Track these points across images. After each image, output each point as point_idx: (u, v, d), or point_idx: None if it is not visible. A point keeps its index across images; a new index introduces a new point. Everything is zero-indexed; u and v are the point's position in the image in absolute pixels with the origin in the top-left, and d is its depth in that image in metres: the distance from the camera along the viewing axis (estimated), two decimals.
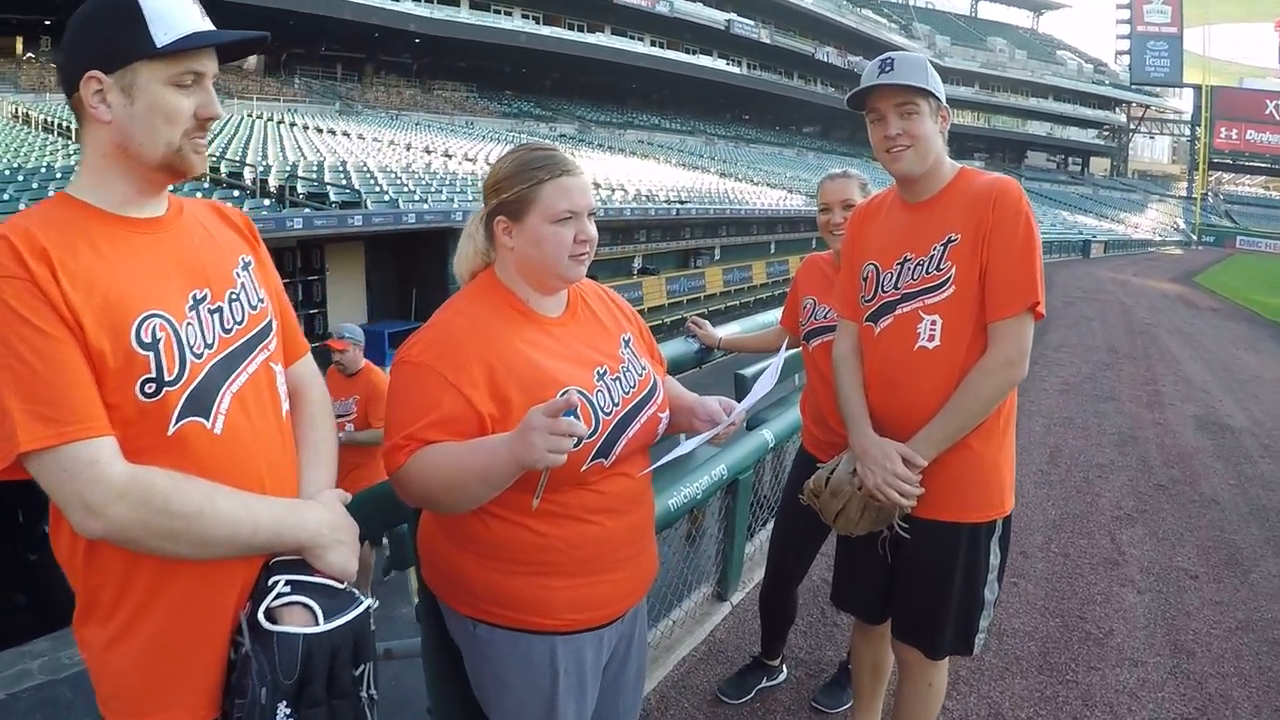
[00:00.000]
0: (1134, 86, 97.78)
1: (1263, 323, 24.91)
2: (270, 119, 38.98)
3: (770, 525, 5.94)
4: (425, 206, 22.16)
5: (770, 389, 2.63)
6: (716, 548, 5.31)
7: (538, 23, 60.52)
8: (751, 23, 73.92)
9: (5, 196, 17.36)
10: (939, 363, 2.88)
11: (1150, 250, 70.66)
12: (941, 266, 2.89)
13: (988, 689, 4.45)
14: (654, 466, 2.42)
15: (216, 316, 1.89)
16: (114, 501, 1.65)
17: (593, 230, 2.35)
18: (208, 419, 1.81)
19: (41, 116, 31.72)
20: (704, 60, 71.23)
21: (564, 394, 2.04)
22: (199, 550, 1.75)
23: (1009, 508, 3.05)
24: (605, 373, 2.37)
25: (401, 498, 2.24)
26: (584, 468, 2.25)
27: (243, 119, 37.63)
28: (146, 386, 1.72)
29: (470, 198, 25.50)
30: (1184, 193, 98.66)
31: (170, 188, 1.94)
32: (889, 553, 3.14)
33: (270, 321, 2.05)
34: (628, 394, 2.40)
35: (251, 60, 58.10)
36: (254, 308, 2.00)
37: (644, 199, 31.67)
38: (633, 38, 66.13)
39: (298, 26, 49.58)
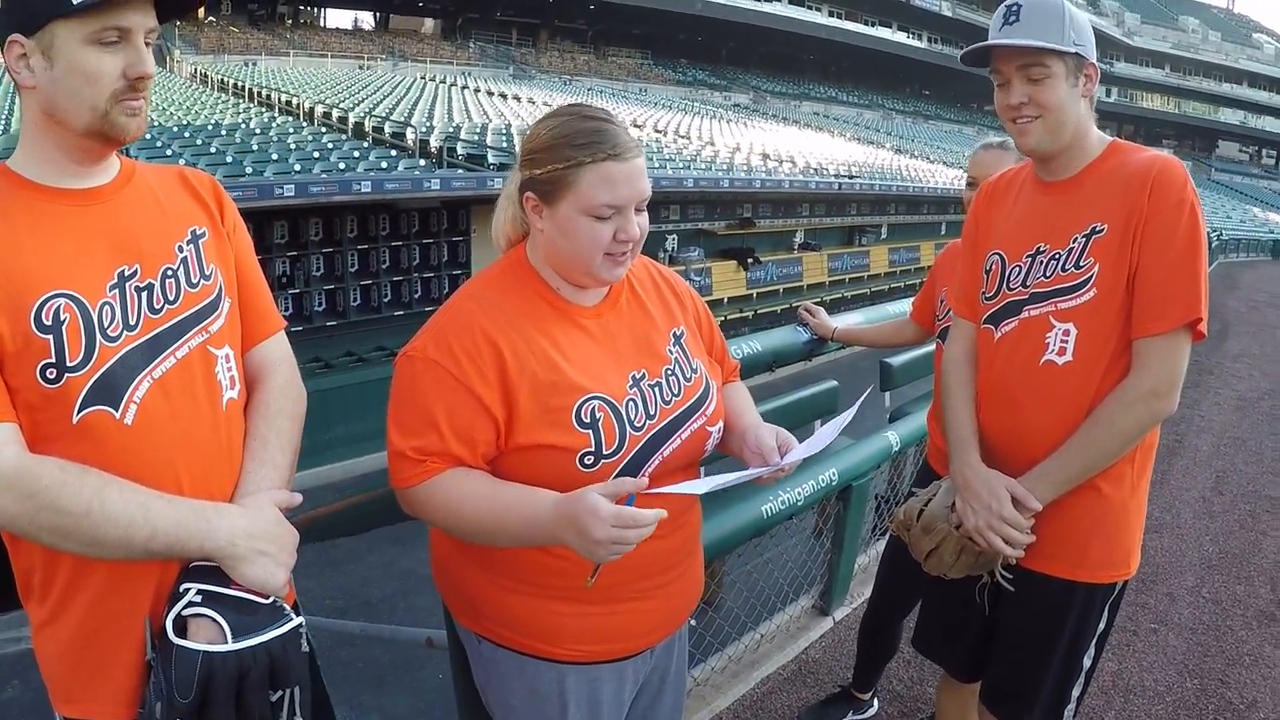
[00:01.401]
0: None
1: None
2: (443, 82, 39.46)
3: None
4: None
5: (835, 437, 2.20)
6: (824, 557, 4.88)
7: None
8: None
9: (169, 151, 17.72)
10: (1068, 383, 2.38)
11: None
12: (1082, 264, 2.36)
13: None
14: (669, 490, 1.87)
15: (144, 295, 1.78)
16: (1, 493, 1.57)
17: (636, 229, 1.97)
18: (116, 408, 1.69)
19: (219, 77, 32.73)
20: (883, 32, 70.31)
21: (616, 478, 1.83)
22: (93, 550, 1.64)
23: (1134, 568, 2.53)
24: (643, 378, 2.07)
25: (406, 510, 2.03)
26: None
27: (414, 81, 38.20)
28: (48, 372, 1.64)
29: None
30: None
31: (127, 151, 1.86)
32: (986, 604, 2.66)
33: (215, 300, 1.90)
34: (669, 404, 2.08)
35: (428, 24, 59.51)
36: (193, 285, 1.86)
37: (811, 172, 31.03)
38: (810, 7, 65.40)
39: None
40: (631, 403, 2.01)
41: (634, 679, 2.22)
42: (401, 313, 18.60)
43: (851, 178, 31.92)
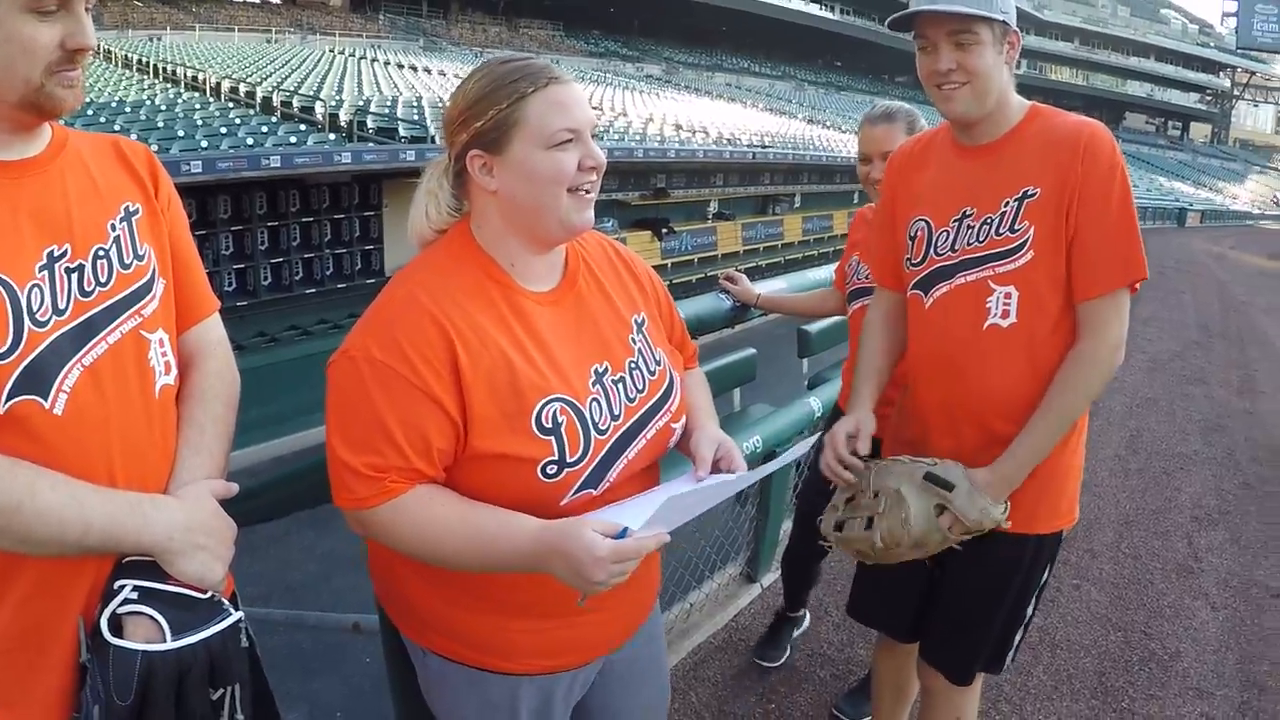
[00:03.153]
0: (1240, 51, 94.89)
1: None
2: (353, 55, 38.95)
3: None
4: None
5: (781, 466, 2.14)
6: (750, 524, 4.85)
7: None
8: None
9: (76, 128, 17.16)
10: (1014, 344, 2.38)
11: (1248, 223, 67.42)
12: (1016, 227, 2.36)
13: (1032, 711, 3.98)
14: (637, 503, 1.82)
15: (75, 277, 1.66)
16: None
17: (600, 153, 1.83)
18: (46, 397, 1.57)
19: (123, 53, 32.04)
20: (795, 4, 70.34)
21: (623, 532, 1.67)
22: (25, 547, 1.54)
23: (1076, 516, 2.60)
24: (606, 372, 1.90)
25: (357, 531, 1.84)
26: (565, 502, 1.80)
27: (323, 54, 37.70)
28: None
29: None
30: None
31: (62, 120, 1.71)
32: (929, 565, 2.64)
33: (149, 282, 1.78)
34: (633, 401, 1.93)
35: None
36: (126, 266, 1.74)
37: (725, 142, 31.14)
38: None
39: None
40: (595, 402, 1.85)
41: (584, 677, 2.09)
42: (314, 290, 18.49)
43: (765, 147, 32.24)
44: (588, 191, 1.83)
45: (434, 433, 1.72)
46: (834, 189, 36.96)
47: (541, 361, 1.81)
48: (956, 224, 2.44)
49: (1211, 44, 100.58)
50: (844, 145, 39.63)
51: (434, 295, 1.77)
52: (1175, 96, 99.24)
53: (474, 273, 1.84)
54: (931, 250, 2.49)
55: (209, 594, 1.67)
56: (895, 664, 3.13)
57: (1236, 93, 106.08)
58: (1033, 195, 2.33)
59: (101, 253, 1.70)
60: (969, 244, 2.42)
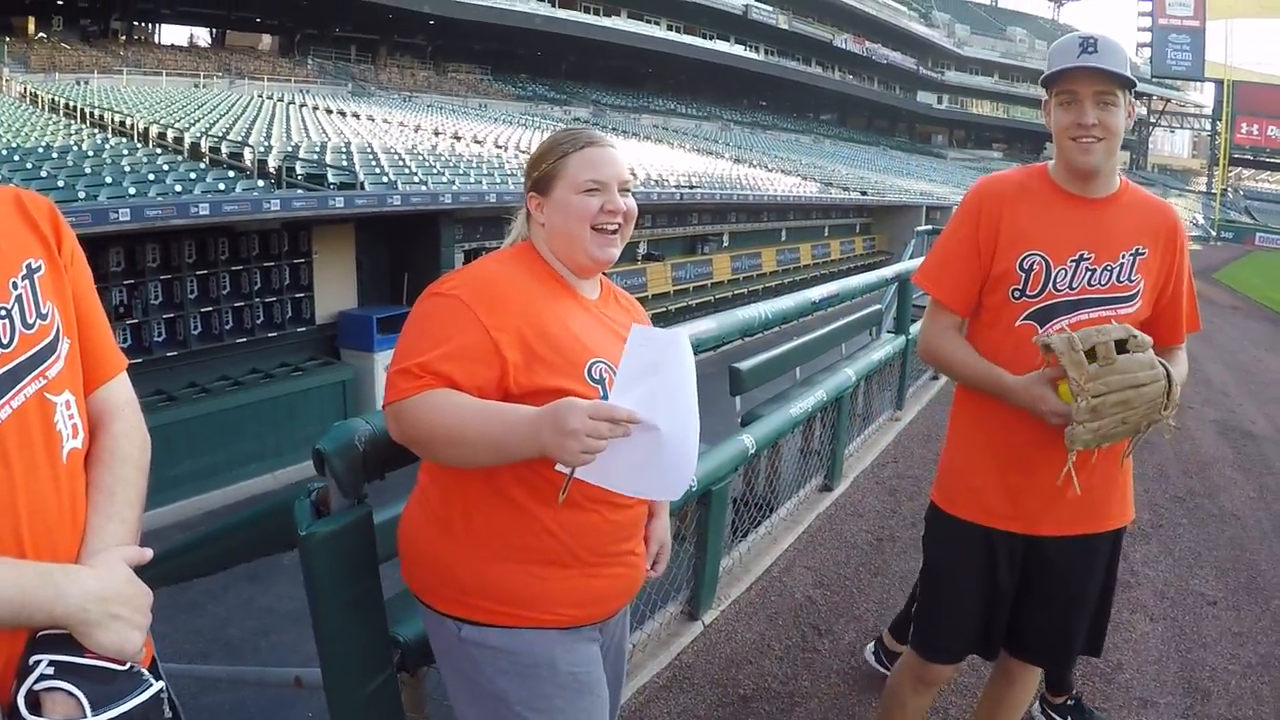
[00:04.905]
0: (1155, 79, 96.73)
1: None
2: (280, 100, 38.71)
3: (754, 533, 5.78)
4: (420, 189, 21.81)
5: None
6: (688, 562, 4.91)
7: (553, 5, 59.75)
8: (769, 8, 73.34)
9: (1, 174, 17.01)
10: None
11: None
12: (1132, 278, 2.80)
13: None
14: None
15: None
16: None
17: (620, 201, 2.31)
18: None
19: (49, 97, 31.60)
20: (721, 45, 70.90)
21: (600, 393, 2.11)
22: None
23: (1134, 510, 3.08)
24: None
25: (391, 431, 2.15)
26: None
27: (251, 99, 37.45)
28: None
29: (473, 180, 25.20)
30: (1204, 188, 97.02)
31: None
32: (1015, 572, 2.97)
33: (53, 342, 1.71)
34: None
35: (266, 41, 58.24)
36: (29, 326, 1.66)
37: (652, 183, 31.36)
38: (650, 22, 65.73)
39: (311, 7, 49.59)
40: None
41: (601, 649, 2.39)
42: (244, 340, 18.23)
43: (692, 188, 32.37)
44: (612, 231, 2.30)
45: (482, 361, 2.09)
46: (762, 227, 37.47)
47: (590, 336, 2.25)
48: (1074, 265, 2.75)
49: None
50: (770, 184, 40.17)
51: (510, 271, 2.26)
52: None
53: (539, 269, 2.32)
54: (1050, 285, 2.76)
55: (128, 665, 1.59)
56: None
57: (1153, 120, 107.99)
58: (1143, 254, 2.79)
59: (3, 312, 1.62)
60: (1089, 284, 2.76)
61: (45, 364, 1.67)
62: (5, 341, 1.61)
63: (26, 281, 1.68)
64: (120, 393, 1.89)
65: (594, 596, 2.29)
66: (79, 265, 1.84)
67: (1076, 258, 2.75)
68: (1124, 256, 2.77)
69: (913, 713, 3.29)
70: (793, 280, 35.22)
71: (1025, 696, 3.32)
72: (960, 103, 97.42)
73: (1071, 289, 2.75)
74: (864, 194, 44.95)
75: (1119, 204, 2.82)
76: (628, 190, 2.34)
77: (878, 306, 9.94)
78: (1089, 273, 2.75)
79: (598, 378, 2.18)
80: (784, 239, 39.31)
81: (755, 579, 5.48)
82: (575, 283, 2.35)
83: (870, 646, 4.48)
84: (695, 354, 4.46)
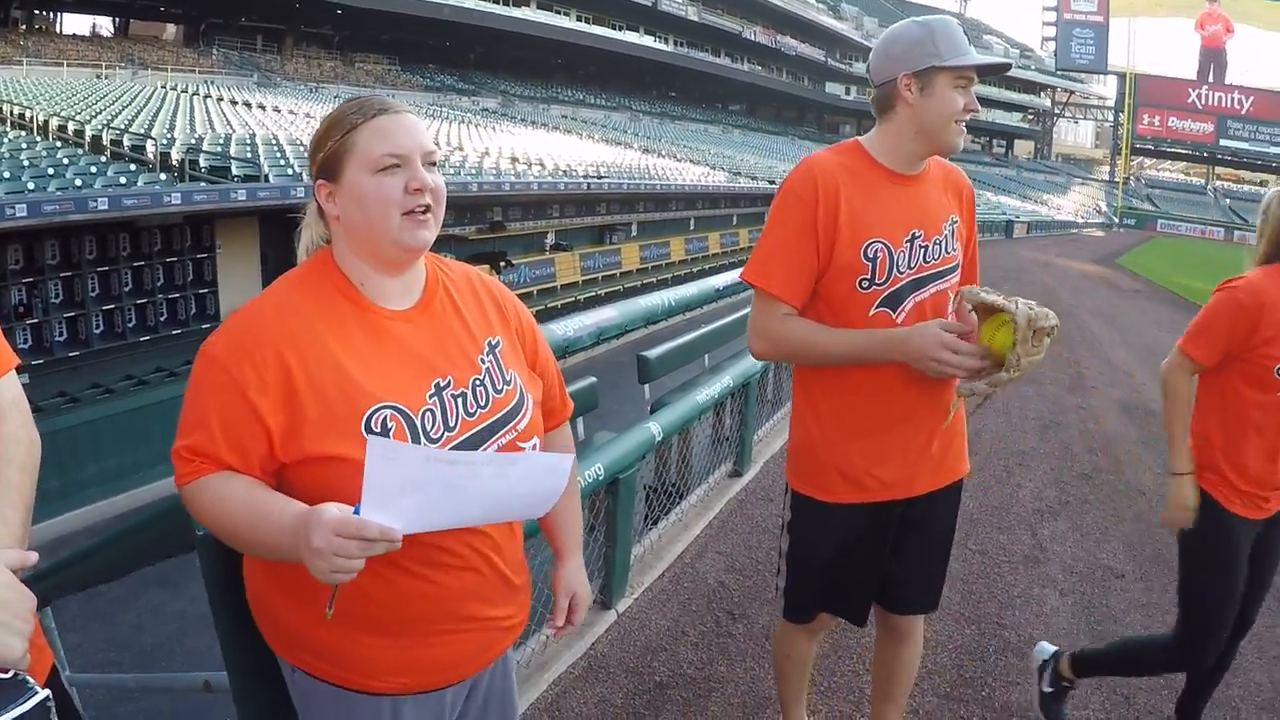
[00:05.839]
0: (1059, 72, 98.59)
1: (1185, 305, 24.67)
2: (185, 91, 38.03)
3: (664, 520, 5.84)
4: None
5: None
6: (599, 551, 4.94)
7: None
8: (679, 0, 73.40)
9: None
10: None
11: (1073, 232, 71.34)
12: (954, 247, 2.92)
13: None
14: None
15: None
16: None
17: (427, 177, 1.96)
18: None
19: None
20: (630, 36, 70.71)
21: (356, 509, 1.66)
22: None
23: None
24: (448, 386, 1.98)
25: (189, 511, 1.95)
26: None
27: (155, 90, 36.78)
28: None
29: None
30: (1107, 176, 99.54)
31: None
32: (892, 536, 3.06)
33: None
34: (473, 415, 2.00)
35: (170, 30, 57.10)
36: None
37: (559, 173, 31.40)
38: (559, 12, 65.33)
39: None
40: (429, 413, 1.92)
41: (452, 705, 2.14)
42: (148, 338, 17.97)
43: (600, 178, 32.33)
44: (423, 213, 1.96)
45: (246, 433, 1.84)
46: (670, 216, 37.57)
47: (377, 371, 1.91)
48: (909, 245, 2.81)
49: (1032, 66, 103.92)
50: (679, 173, 40.28)
51: (280, 307, 1.94)
52: (999, 116, 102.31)
53: (327, 289, 1.98)
54: (894, 270, 2.79)
55: (10, 673, 1.52)
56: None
57: (1057, 111, 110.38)
58: (956, 221, 2.93)
59: None
60: (924, 261, 2.84)
61: None
62: None
63: None
64: (7, 392, 1.83)
65: (434, 664, 2.03)
66: None
67: (909, 238, 2.80)
68: (945, 228, 2.88)
69: (800, 660, 3.48)
70: (701, 269, 35.33)
71: (919, 649, 3.40)
72: (868, 93, 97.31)
73: (911, 269, 2.80)
74: (772, 183, 45.03)
75: (929, 177, 2.91)
76: (433, 164, 1.99)
77: None
78: (922, 249, 2.82)
79: (378, 430, 1.86)
80: (693, 228, 39.48)
81: (667, 566, 5.52)
82: (377, 291, 2.01)
83: (1045, 665, 4.17)
84: (601, 342, 4.65)
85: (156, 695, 5.76)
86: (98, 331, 17.35)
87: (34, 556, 1.68)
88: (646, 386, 5.97)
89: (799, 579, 3.23)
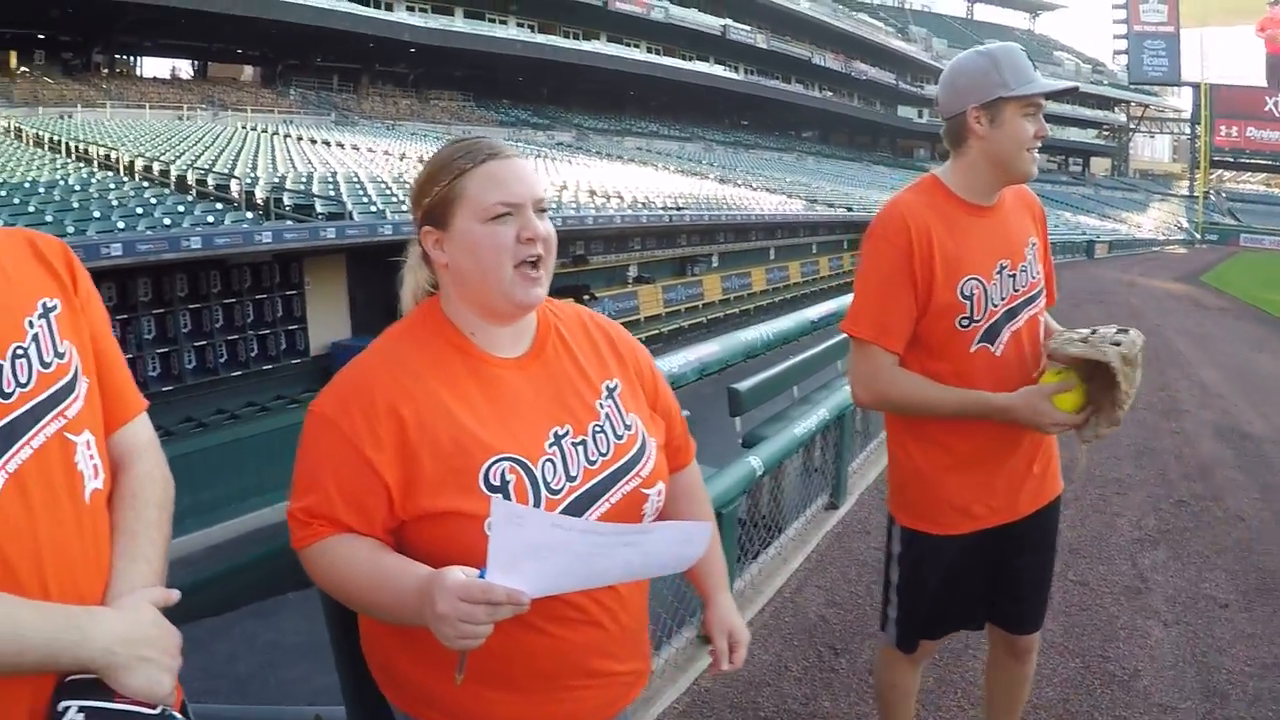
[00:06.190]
0: (1132, 86, 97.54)
1: (1273, 322, 24.05)
2: (265, 131, 38.69)
3: (764, 554, 5.70)
4: (410, 217, 21.02)
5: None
6: (700, 594, 4.78)
7: (533, 30, 60.21)
8: (747, 28, 73.64)
9: None
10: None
11: (1154, 250, 69.83)
12: (1037, 270, 2.92)
13: None
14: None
15: None
16: None
17: (539, 226, 1.87)
18: None
19: (33, 131, 31.56)
20: (701, 66, 71.21)
21: (482, 573, 1.58)
22: None
23: None
24: (567, 435, 1.90)
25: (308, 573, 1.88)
26: None
27: (235, 131, 37.41)
28: None
29: None
30: (1186, 191, 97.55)
31: None
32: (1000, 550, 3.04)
33: (71, 381, 1.67)
34: (594, 464, 1.91)
35: (248, 72, 58.31)
36: (46, 365, 1.62)
37: (639, 206, 31.39)
38: (628, 44, 65.95)
39: (291, 38, 49.65)
40: (549, 463, 1.84)
41: None
42: (239, 373, 18.26)
43: (680, 209, 32.42)
44: (534, 266, 1.86)
45: (364, 490, 1.78)
46: (750, 246, 37.52)
47: (494, 423, 1.84)
48: (999, 277, 2.80)
49: (1105, 81, 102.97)
50: (756, 203, 40.22)
51: (390, 362, 1.87)
52: (1074, 134, 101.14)
53: (436, 340, 1.91)
54: (989, 304, 2.78)
55: (158, 709, 1.56)
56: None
57: (1132, 126, 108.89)
58: (1035, 244, 2.92)
59: (20, 351, 1.59)
60: (1014, 290, 2.83)
61: (64, 403, 1.64)
62: (24, 380, 1.58)
63: (43, 321, 1.66)
64: (141, 433, 1.86)
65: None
66: (95, 305, 1.82)
67: (998, 269, 2.80)
68: (1027, 253, 2.88)
69: (907, 690, 3.41)
70: (783, 299, 35.28)
71: (1032, 667, 3.40)
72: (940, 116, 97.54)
73: (1003, 300, 2.81)
74: (850, 210, 45.03)
75: (1005, 203, 2.90)
76: (544, 211, 1.90)
77: None
78: (1011, 278, 2.82)
79: (497, 484, 1.79)
80: (773, 257, 39.39)
81: (768, 600, 5.42)
82: (488, 340, 1.93)
83: None
84: (700, 378, 4.45)
85: None
86: (190, 367, 17.65)
87: (176, 594, 1.71)
88: (738, 420, 5.93)
89: (911, 609, 3.17)
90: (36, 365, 1.60)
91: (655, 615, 4.55)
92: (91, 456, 1.68)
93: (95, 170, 25.06)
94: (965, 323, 2.77)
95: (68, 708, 1.47)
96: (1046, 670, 4.53)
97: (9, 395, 1.56)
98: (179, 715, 1.59)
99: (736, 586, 5.20)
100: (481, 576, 1.57)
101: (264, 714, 5.02)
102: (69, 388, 1.65)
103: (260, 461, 15.83)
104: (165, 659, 1.59)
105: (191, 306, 17.73)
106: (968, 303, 2.76)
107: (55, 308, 1.69)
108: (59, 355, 1.65)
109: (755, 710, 4.31)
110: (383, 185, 26.46)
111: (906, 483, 3.04)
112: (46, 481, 1.56)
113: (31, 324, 1.63)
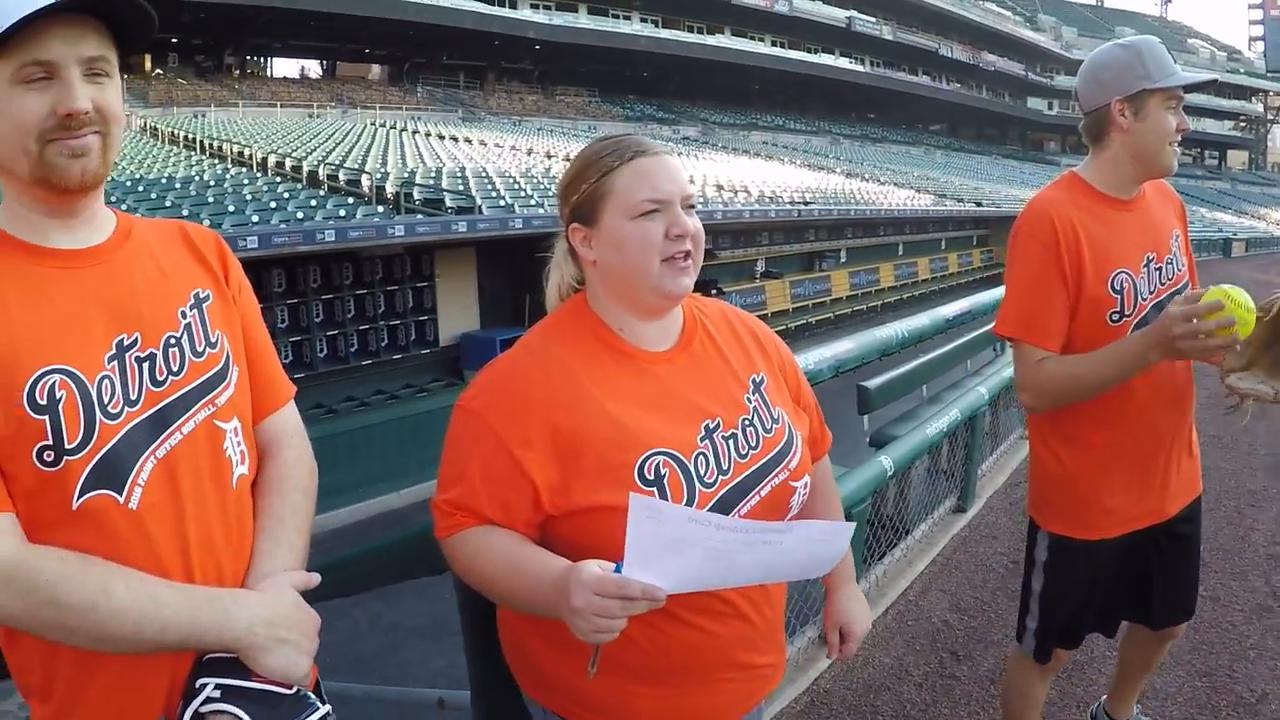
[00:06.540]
0: (1270, 74, 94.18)
1: None
2: (393, 127, 39.46)
3: (889, 556, 5.72)
4: (538, 211, 21.88)
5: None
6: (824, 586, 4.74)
7: (657, 26, 60.59)
8: (873, 20, 73.21)
9: (123, 207, 17.34)
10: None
11: None
12: (1182, 262, 2.89)
13: None
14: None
15: (145, 366, 1.64)
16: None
17: (688, 223, 1.86)
18: (120, 492, 1.55)
19: (169, 129, 32.54)
20: (826, 59, 71.05)
21: (618, 567, 1.56)
22: (101, 646, 1.51)
23: None
24: (717, 428, 1.89)
25: (448, 562, 1.93)
26: None
27: (364, 127, 38.18)
28: (44, 454, 1.50)
29: None
30: None
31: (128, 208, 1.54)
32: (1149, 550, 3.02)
33: (222, 370, 1.75)
34: (745, 457, 1.91)
35: (375, 70, 59.58)
36: (198, 355, 1.71)
37: (767, 200, 31.19)
38: (753, 38, 65.95)
39: (418, 38, 50.69)
40: (701, 456, 1.86)
41: None
42: (369, 362, 18.72)
43: (807, 204, 32.28)
44: (685, 258, 1.86)
45: (510, 487, 1.79)
46: (878, 242, 37.06)
47: (647, 417, 1.84)
48: (1146, 270, 2.77)
49: (1241, 69, 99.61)
50: (884, 197, 39.73)
51: (542, 360, 1.88)
52: (1209, 125, 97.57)
53: (585, 336, 1.91)
54: (1139, 298, 2.75)
55: (294, 689, 1.64)
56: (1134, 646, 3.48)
57: (1270, 116, 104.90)
58: (1178, 235, 2.90)
59: (173, 340, 1.68)
60: (1161, 284, 2.79)
61: (215, 391, 1.73)
62: (176, 369, 1.67)
63: (195, 311, 1.74)
64: (289, 420, 1.93)
65: (696, 713, 1.97)
66: (246, 295, 1.91)
67: (1145, 262, 2.78)
68: (1171, 245, 2.87)
69: (1036, 701, 3.36)
70: (911, 295, 34.83)
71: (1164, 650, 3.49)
72: (1071, 107, 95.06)
73: (1152, 293, 2.78)
74: (979, 205, 44.32)
75: (1146, 196, 2.87)
76: (692, 206, 1.90)
77: None
78: (1157, 271, 2.80)
79: (652, 478, 1.80)
80: (901, 253, 38.86)
81: (891, 602, 5.36)
82: (636, 335, 1.94)
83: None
84: (835, 376, 4.39)
85: (375, 706, 5.77)
86: (321, 355, 18.15)
87: (316, 578, 1.79)
88: (865, 418, 5.91)
89: (1055, 618, 3.11)
90: (189, 354, 1.69)
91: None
92: (239, 443, 1.76)
93: (229, 166, 25.84)
94: (1116, 317, 2.74)
95: (205, 684, 1.56)
96: (1171, 689, 4.46)
97: (161, 383, 1.64)
98: (313, 695, 1.66)
99: (861, 587, 5.04)
100: (617, 570, 1.56)
101: (390, 694, 5.31)
102: (220, 376, 1.74)
103: (387, 448, 16.25)
104: (304, 641, 1.67)
105: (324, 297, 18.19)
106: (1118, 297, 2.74)
107: (208, 298, 1.78)
108: (211, 344, 1.74)
109: (873, 714, 4.28)
110: (511, 180, 26.77)
111: (1054, 486, 3.00)
112: (194, 467, 1.65)
113: (184, 314, 1.72)
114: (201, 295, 1.77)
